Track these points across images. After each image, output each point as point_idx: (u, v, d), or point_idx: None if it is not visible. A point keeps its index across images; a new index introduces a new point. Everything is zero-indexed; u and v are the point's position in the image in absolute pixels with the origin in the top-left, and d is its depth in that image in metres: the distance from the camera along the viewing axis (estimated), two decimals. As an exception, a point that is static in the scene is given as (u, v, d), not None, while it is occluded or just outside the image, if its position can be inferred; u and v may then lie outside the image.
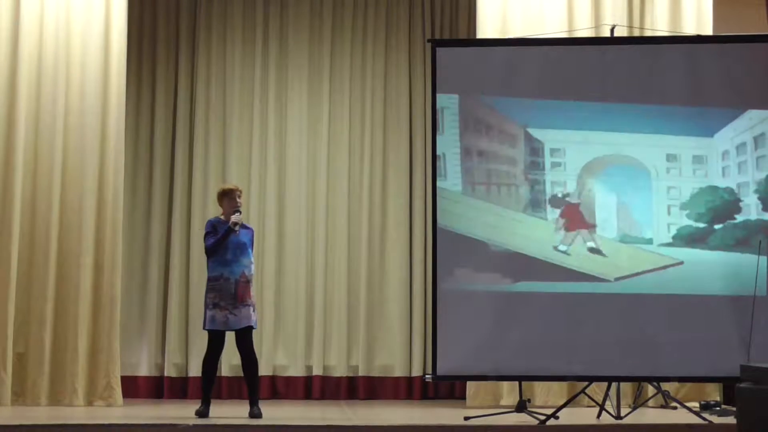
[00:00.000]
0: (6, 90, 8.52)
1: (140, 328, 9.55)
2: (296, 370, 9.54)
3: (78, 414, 7.84)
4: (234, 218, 7.59)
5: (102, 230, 8.57)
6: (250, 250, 7.66)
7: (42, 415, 7.72)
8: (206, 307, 7.57)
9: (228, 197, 7.70)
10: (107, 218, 8.58)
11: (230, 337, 7.71)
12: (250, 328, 7.57)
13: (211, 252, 7.60)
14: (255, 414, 7.39)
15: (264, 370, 9.40)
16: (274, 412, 7.94)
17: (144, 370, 9.50)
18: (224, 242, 7.56)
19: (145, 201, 9.71)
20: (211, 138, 9.75)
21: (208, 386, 7.58)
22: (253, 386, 7.56)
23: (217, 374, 9.12)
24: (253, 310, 7.58)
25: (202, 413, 7.38)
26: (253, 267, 7.70)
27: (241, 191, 7.85)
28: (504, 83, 7.65)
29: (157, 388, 9.49)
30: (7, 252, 8.35)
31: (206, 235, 7.68)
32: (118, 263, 8.63)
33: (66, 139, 8.60)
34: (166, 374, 9.46)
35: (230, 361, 9.18)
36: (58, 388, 8.39)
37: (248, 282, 7.56)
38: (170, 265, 9.57)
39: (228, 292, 7.49)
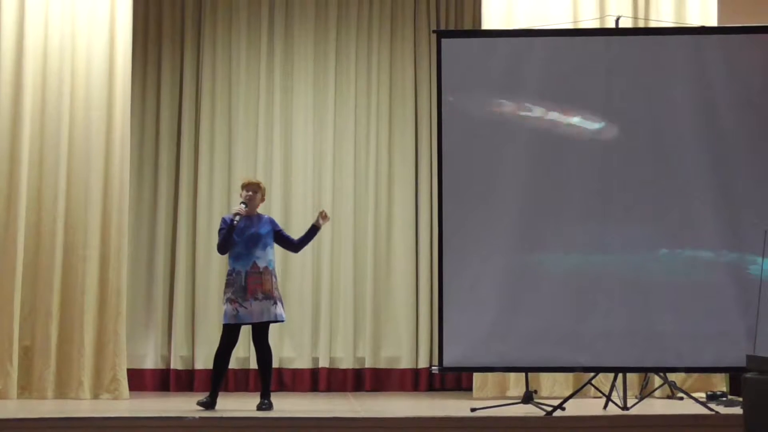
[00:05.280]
0: (11, 83, 8.53)
1: (146, 321, 9.56)
2: (303, 362, 9.55)
3: (84, 407, 7.86)
4: (235, 210, 7.58)
5: (108, 223, 8.58)
6: (268, 241, 7.56)
7: (48, 408, 7.73)
8: (223, 302, 7.59)
9: (244, 189, 7.66)
10: (113, 211, 8.59)
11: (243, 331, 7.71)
12: (266, 324, 7.52)
13: (219, 249, 7.63)
14: (262, 407, 7.38)
15: (270, 362, 9.43)
16: (280, 404, 7.94)
17: (150, 362, 9.51)
18: (230, 237, 7.52)
19: (151, 193, 9.72)
20: (216, 130, 9.76)
21: (216, 379, 7.54)
22: (264, 379, 7.54)
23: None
24: (275, 304, 7.47)
25: (205, 404, 7.35)
26: (268, 259, 7.53)
27: (255, 186, 7.66)
28: (509, 74, 7.63)
29: (163, 380, 9.50)
30: (13, 245, 8.36)
31: (219, 231, 7.66)
32: (124, 256, 8.65)
33: (71, 133, 8.61)
34: (172, 367, 9.47)
35: (237, 354, 9.17)
36: (65, 381, 8.41)
37: (260, 274, 7.45)
38: (176, 258, 9.58)
39: (239, 285, 7.44)
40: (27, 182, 8.47)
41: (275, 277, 7.57)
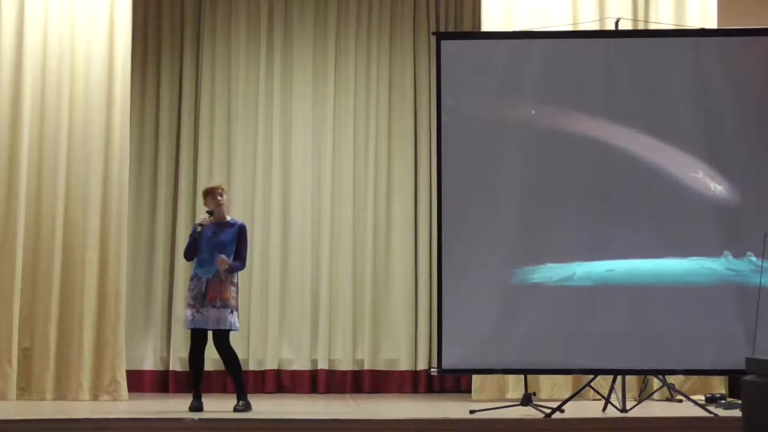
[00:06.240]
0: (10, 84, 8.52)
1: (145, 323, 9.54)
2: (301, 364, 9.53)
3: (83, 408, 7.85)
4: (198, 220, 7.62)
5: (107, 225, 8.58)
6: (231, 249, 7.54)
7: (47, 409, 7.73)
8: (184, 306, 7.63)
9: (210, 196, 7.66)
10: (112, 213, 8.58)
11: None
12: (223, 332, 7.49)
13: (185, 256, 7.75)
14: (240, 408, 7.39)
15: (269, 363, 9.42)
16: (279, 406, 7.95)
17: (149, 364, 9.49)
18: (194, 246, 7.55)
19: (150, 195, 9.70)
20: (215, 132, 9.74)
21: (195, 381, 7.56)
22: (237, 381, 7.54)
23: (224, 369, 9.19)
24: (231, 312, 7.46)
25: (196, 408, 7.37)
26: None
27: (222, 189, 7.72)
28: (509, 76, 7.63)
29: (162, 382, 9.48)
30: (12, 247, 8.35)
31: (190, 236, 7.73)
32: (123, 258, 8.64)
33: (71, 134, 8.60)
34: (171, 368, 9.44)
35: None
36: (64, 383, 8.40)
37: (221, 282, 7.46)
38: (175, 260, 9.56)
39: (198, 291, 7.46)
40: (26, 184, 8.46)
41: (235, 286, 7.57)
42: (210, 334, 7.60)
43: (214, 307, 7.42)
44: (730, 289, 7.36)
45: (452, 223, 7.48)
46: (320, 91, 9.86)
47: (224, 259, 7.47)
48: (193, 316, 7.45)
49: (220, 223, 7.61)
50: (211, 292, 7.44)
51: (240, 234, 7.63)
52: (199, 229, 7.55)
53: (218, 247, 7.50)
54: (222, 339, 7.49)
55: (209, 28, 9.83)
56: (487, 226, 7.48)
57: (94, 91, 8.64)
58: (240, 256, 7.61)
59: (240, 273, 7.70)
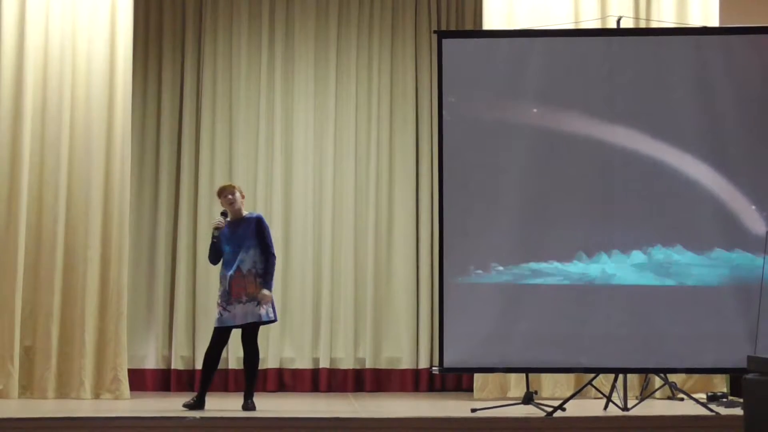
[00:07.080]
0: (12, 83, 8.53)
1: (147, 321, 9.55)
2: (303, 363, 9.54)
3: (85, 407, 7.86)
4: (213, 224, 7.66)
5: (109, 223, 8.58)
6: (251, 242, 7.50)
7: (49, 408, 7.73)
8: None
9: (222, 197, 7.66)
10: (114, 211, 8.59)
11: (236, 332, 7.70)
12: (252, 325, 7.50)
13: (209, 261, 7.75)
14: (248, 407, 7.38)
15: (271, 362, 9.42)
16: (281, 404, 7.94)
17: (151, 362, 9.50)
18: (214, 249, 7.59)
19: (152, 194, 9.71)
20: (217, 130, 9.75)
21: (204, 380, 7.53)
22: (249, 380, 7.53)
23: (226, 367, 9.21)
24: (258, 305, 7.43)
25: (191, 405, 7.34)
26: (252, 261, 7.48)
27: (232, 188, 7.66)
28: (510, 75, 7.63)
29: (164, 380, 9.50)
30: (14, 245, 8.36)
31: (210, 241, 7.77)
32: (125, 256, 8.65)
33: (72, 133, 8.61)
34: (173, 367, 9.46)
35: (237, 354, 9.17)
36: (66, 381, 8.41)
37: (244, 277, 7.45)
38: (177, 258, 9.58)
39: (224, 290, 7.48)
40: (28, 183, 8.47)
41: (262, 276, 7.52)
42: (233, 334, 7.64)
43: (240, 302, 7.43)
44: (732, 287, 7.35)
45: (453, 221, 7.47)
46: (322, 90, 9.87)
47: (265, 294, 7.47)
48: (221, 314, 7.47)
49: (237, 219, 7.62)
50: (235, 288, 7.44)
51: (258, 226, 7.58)
52: (216, 233, 7.58)
53: (238, 243, 7.49)
54: (249, 333, 7.49)
55: (210, 26, 9.83)
56: (489, 225, 7.47)
57: (96, 90, 8.64)
58: (265, 249, 7.54)
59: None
